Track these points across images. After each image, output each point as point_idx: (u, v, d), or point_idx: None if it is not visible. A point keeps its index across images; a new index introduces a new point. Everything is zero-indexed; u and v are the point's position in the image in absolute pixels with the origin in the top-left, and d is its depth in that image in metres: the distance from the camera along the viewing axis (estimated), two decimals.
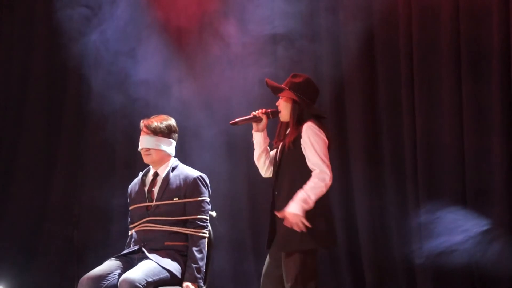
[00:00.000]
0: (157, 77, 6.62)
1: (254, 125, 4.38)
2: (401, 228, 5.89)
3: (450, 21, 5.72)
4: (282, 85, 4.31)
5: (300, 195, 4.06)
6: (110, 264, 4.41)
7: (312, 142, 4.15)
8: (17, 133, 7.30)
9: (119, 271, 4.36)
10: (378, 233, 5.99)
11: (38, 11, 7.30)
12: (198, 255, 4.42)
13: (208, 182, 4.59)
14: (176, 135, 4.65)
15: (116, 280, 4.31)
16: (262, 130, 4.38)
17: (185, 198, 4.50)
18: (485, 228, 5.43)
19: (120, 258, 4.48)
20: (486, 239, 5.43)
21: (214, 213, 4.62)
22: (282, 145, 4.30)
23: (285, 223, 4.05)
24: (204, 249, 4.48)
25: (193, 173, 4.58)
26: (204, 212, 4.52)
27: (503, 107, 5.50)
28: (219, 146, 6.59)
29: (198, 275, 4.40)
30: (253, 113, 4.36)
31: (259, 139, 4.38)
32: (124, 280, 4.18)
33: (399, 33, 5.94)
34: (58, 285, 6.89)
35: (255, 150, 4.42)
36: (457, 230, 5.44)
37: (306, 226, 4.04)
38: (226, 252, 6.44)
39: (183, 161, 4.75)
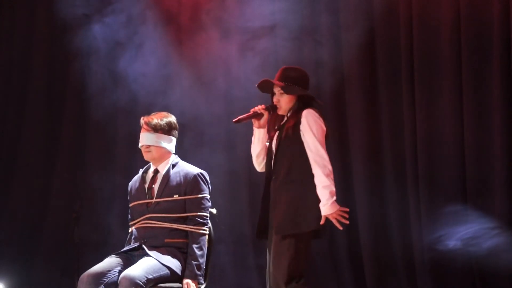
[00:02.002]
0: (157, 74, 6.62)
1: (255, 121, 4.40)
2: (402, 225, 5.89)
3: (451, 16, 5.72)
4: (282, 82, 4.34)
5: (321, 193, 4.12)
6: (111, 261, 4.41)
7: (311, 127, 4.20)
8: (17, 131, 7.30)
9: (119, 268, 4.36)
10: (379, 230, 5.99)
11: (38, 8, 7.31)
12: (198, 252, 4.42)
13: (208, 179, 4.58)
14: (177, 132, 4.65)
15: (116, 277, 4.30)
16: (264, 126, 4.41)
17: (185, 195, 4.50)
18: (485, 225, 5.44)
19: (120, 255, 4.47)
20: (486, 236, 5.44)
21: (214, 210, 4.62)
22: (279, 133, 4.34)
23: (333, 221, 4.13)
24: (204, 246, 4.47)
25: (193, 170, 4.57)
26: (204, 209, 4.51)
27: (504, 105, 5.50)
28: (219, 142, 6.59)
29: (198, 272, 4.40)
30: (255, 108, 4.37)
31: (261, 135, 4.42)
32: (124, 277, 4.18)
33: (400, 29, 5.94)
34: (58, 282, 6.88)
35: (255, 146, 4.45)
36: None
37: (302, 210, 4.17)
38: (226, 247, 6.44)
39: (183, 157, 4.75)
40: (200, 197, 4.50)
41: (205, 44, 6.61)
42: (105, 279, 4.30)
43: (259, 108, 4.37)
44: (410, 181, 5.84)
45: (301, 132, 4.22)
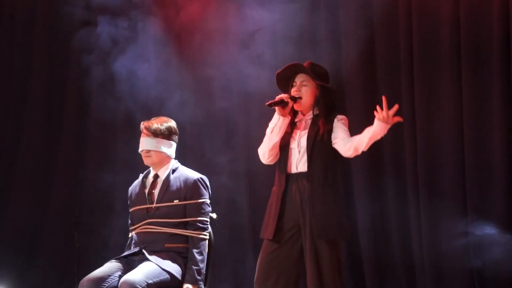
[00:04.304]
0: (157, 78, 6.62)
1: (279, 110, 4.31)
2: (401, 227, 5.89)
3: (450, 14, 5.72)
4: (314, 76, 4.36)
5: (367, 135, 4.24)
6: (111, 266, 4.41)
7: (343, 124, 4.34)
8: (17, 134, 7.30)
9: (119, 273, 4.36)
10: (378, 233, 5.99)
11: (38, 10, 7.31)
12: (198, 257, 4.42)
13: (208, 184, 4.59)
14: (177, 136, 4.65)
15: (116, 282, 4.30)
16: (287, 116, 4.35)
17: (185, 200, 4.50)
18: (485, 228, 5.44)
19: (120, 260, 4.47)
20: (486, 240, 5.45)
21: (214, 215, 4.62)
22: (311, 131, 4.30)
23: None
24: (205, 251, 4.47)
25: (194, 175, 4.57)
26: (205, 214, 4.52)
27: (504, 104, 5.51)
28: (219, 144, 6.59)
29: (199, 277, 4.40)
30: (282, 96, 4.32)
31: (284, 124, 4.35)
32: (124, 282, 4.17)
33: (399, 27, 5.94)
34: (58, 287, 6.88)
35: (273, 136, 4.35)
36: None
37: (342, 217, 4.25)
38: (226, 251, 6.43)
39: (183, 161, 4.75)
40: (200, 202, 4.50)
41: (205, 50, 6.61)
42: (105, 284, 4.30)
43: (286, 96, 4.32)
44: (410, 184, 5.84)
45: (332, 136, 4.26)
